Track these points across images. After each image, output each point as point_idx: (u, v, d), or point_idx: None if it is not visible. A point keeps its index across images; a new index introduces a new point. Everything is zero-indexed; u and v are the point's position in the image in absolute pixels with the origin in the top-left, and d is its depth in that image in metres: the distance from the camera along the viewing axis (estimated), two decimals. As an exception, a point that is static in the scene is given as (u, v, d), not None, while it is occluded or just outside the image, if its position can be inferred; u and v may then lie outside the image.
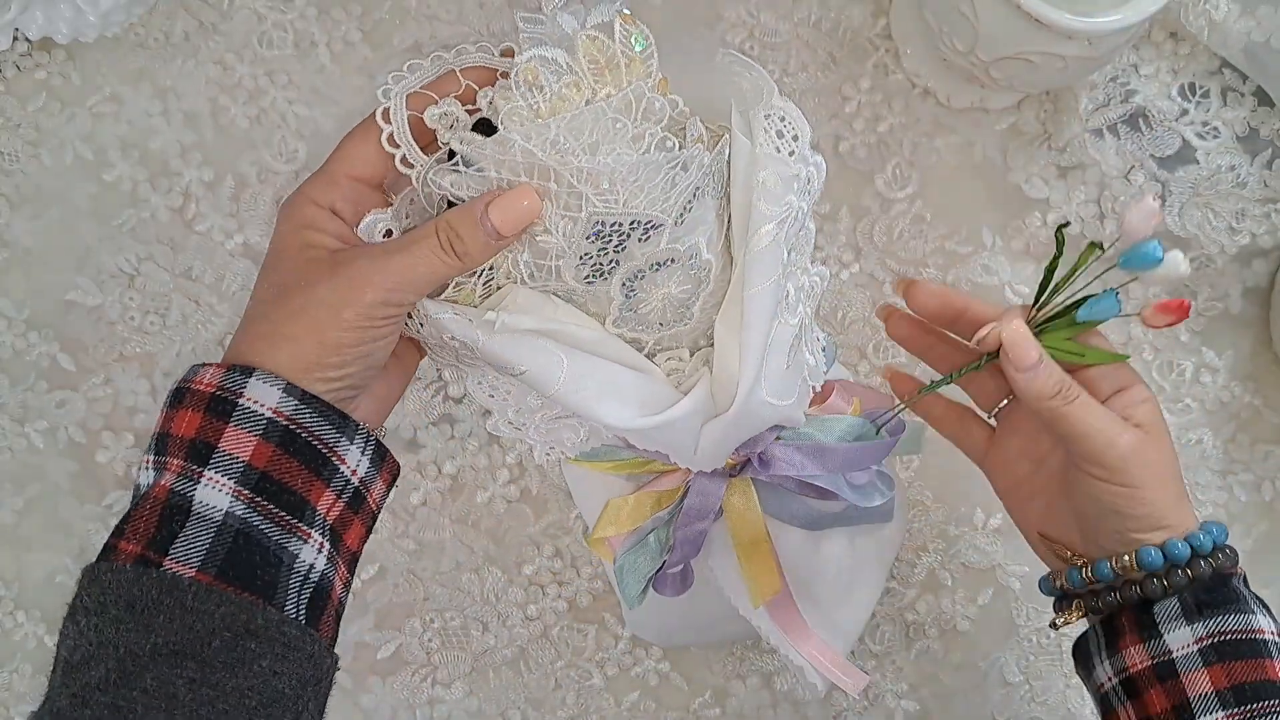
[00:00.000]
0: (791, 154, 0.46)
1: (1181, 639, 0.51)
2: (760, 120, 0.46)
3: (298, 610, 0.44)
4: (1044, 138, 0.72)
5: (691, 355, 0.50)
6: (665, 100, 0.45)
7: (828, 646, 0.62)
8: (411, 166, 0.47)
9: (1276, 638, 0.51)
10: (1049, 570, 0.58)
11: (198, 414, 0.43)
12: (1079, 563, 0.55)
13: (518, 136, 0.43)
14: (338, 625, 0.46)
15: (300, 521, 0.44)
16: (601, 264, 0.45)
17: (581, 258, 0.45)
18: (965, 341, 0.55)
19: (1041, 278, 0.54)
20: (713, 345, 0.49)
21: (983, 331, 0.53)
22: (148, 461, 0.45)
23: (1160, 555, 0.52)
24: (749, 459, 0.55)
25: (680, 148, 0.45)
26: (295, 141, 0.71)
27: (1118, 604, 0.53)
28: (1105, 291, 0.53)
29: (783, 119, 0.46)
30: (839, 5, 0.72)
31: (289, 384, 0.44)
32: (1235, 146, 0.71)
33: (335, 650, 0.46)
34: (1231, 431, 0.73)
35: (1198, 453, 0.73)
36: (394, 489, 0.50)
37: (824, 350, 0.53)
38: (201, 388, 0.44)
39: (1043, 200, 0.72)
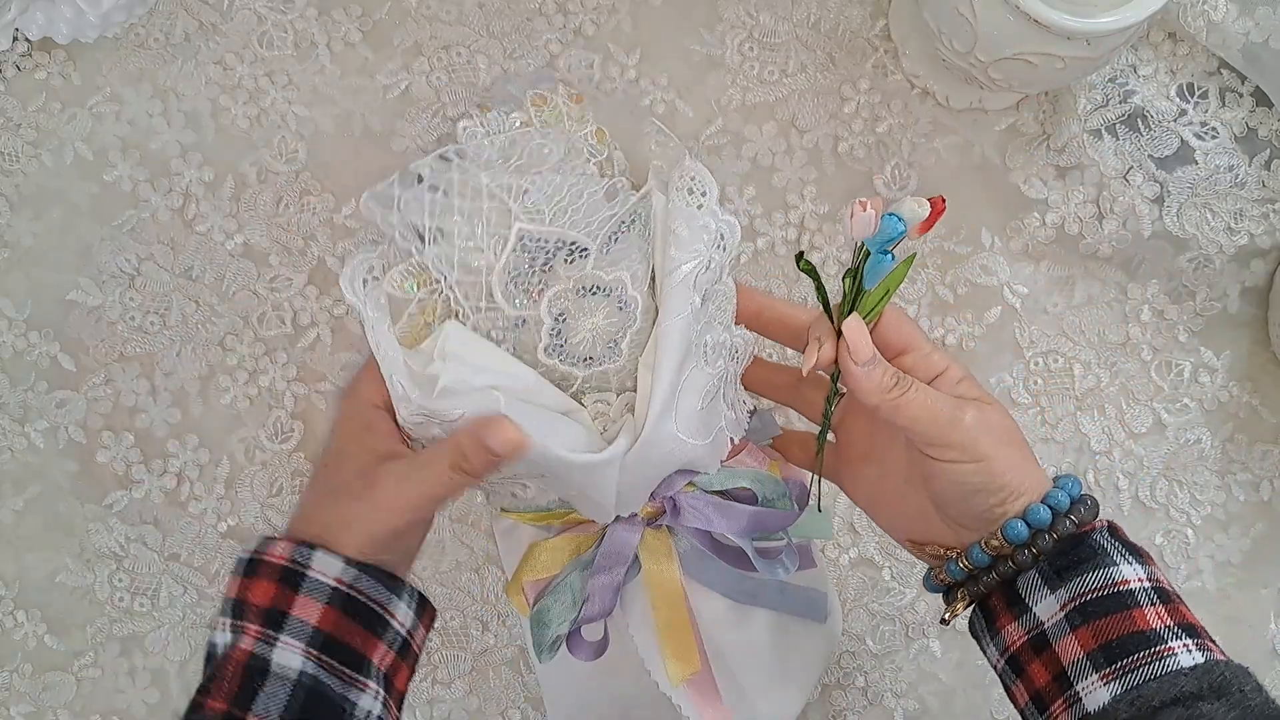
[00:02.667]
0: (700, 207, 0.51)
1: (1049, 608, 0.51)
2: (675, 179, 0.52)
3: None
4: (1043, 138, 0.72)
5: (617, 397, 0.52)
6: (597, 144, 0.52)
7: None
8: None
9: (1145, 582, 0.50)
10: (929, 569, 0.57)
11: (271, 584, 0.50)
12: (953, 554, 0.54)
13: (454, 157, 0.49)
14: None
15: (360, 674, 0.51)
16: (530, 284, 0.50)
17: (511, 276, 0.49)
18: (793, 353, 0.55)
19: (841, 297, 0.53)
20: (636, 390, 0.52)
21: (812, 355, 0.53)
22: (224, 624, 0.51)
23: (1024, 525, 0.51)
24: (664, 509, 0.57)
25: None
26: (295, 142, 0.71)
27: (996, 583, 0.53)
28: (871, 257, 0.51)
29: (693, 178, 0.51)
30: (838, 6, 0.72)
31: (348, 558, 0.50)
32: (1233, 147, 0.71)
33: None
34: (1230, 431, 0.73)
35: (1196, 452, 0.73)
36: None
37: (754, 415, 0.59)
38: (274, 559, 0.50)
39: (1041, 200, 0.72)
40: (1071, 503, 0.52)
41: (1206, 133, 0.71)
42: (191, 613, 0.71)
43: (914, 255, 0.54)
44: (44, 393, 0.71)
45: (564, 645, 0.59)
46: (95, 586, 0.71)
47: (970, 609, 0.55)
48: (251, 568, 0.51)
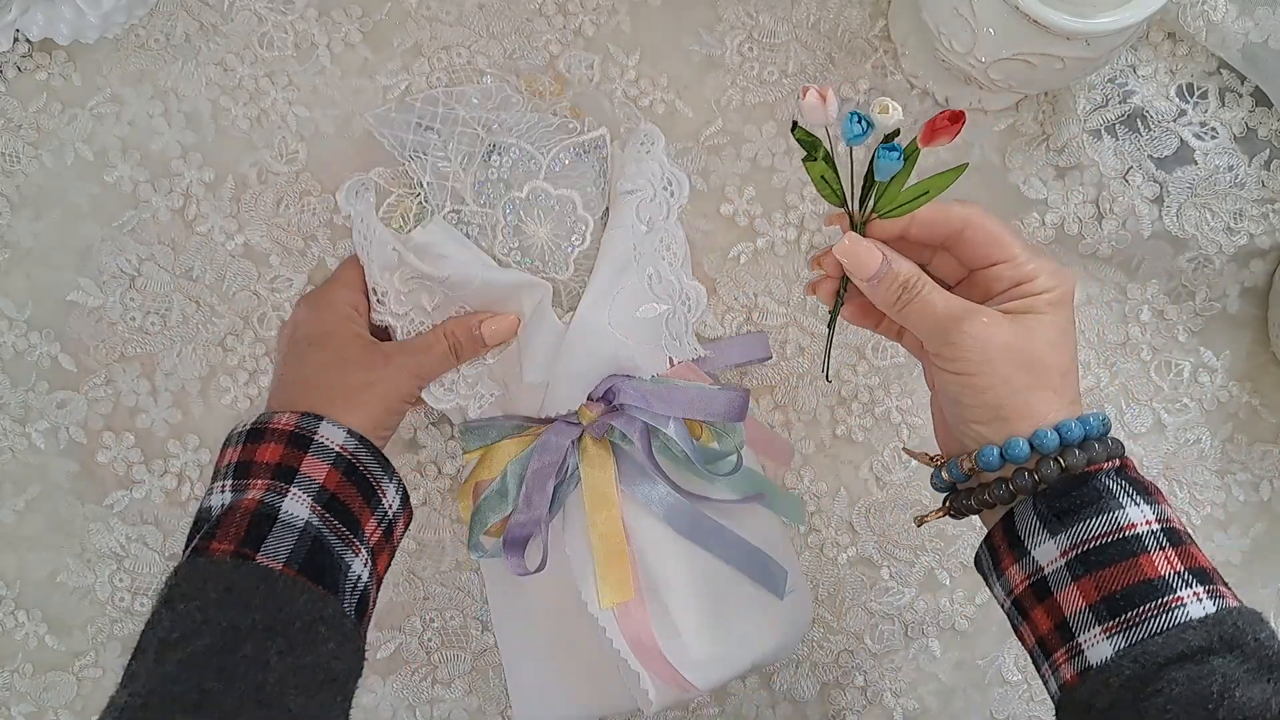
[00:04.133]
0: (648, 153, 0.64)
1: (1048, 553, 0.48)
2: (631, 137, 0.65)
3: (349, 610, 0.53)
4: (1042, 138, 0.72)
5: (565, 313, 0.62)
6: (571, 116, 0.65)
7: (671, 667, 0.60)
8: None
9: (1154, 524, 0.47)
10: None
11: (280, 445, 0.54)
12: (939, 461, 0.54)
13: (440, 95, 0.64)
14: (366, 632, 0.56)
15: (354, 538, 0.54)
16: (490, 192, 0.63)
17: (477, 183, 0.63)
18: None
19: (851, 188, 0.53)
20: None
21: (819, 265, 0.54)
22: (224, 486, 0.54)
23: (997, 457, 0.49)
24: (604, 408, 0.62)
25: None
26: (295, 143, 0.71)
27: (977, 507, 0.52)
28: (878, 149, 0.52)
29: (645, 134, 0.64)
30: (837, 6, 0.72)
31: (350, 429, 0.56)
32: (1233, 147, 0.71)
33: None
34: (1229, 431, 0.73)
35: (1196, 452, 0.73)
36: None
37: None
38: (280, 426, 0.55)
39: (1041, 201, 0.72)
40: (1086, 438, 0.49)
41: (1206, 133, 0.71)
42: (192, 613, 0.72)
43: (964, 166, 0.53)
44: (45, 393, 0.71)
45: (502, 554, 0.62)
46: (96, 586, 0.72)
47: (947, 516, 0.54)
48: (255, 435, 0.55)
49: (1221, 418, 0.73)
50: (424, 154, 0.64)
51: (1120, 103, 0.71)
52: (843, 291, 0.56)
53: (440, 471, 0.72)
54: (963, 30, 0.62)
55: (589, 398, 0.62)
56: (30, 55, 0.71)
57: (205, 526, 0.52)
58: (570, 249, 0.63)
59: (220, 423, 0.71)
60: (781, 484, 0.72)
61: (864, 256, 0.52)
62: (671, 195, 0.64)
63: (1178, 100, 0.71)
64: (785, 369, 0.72)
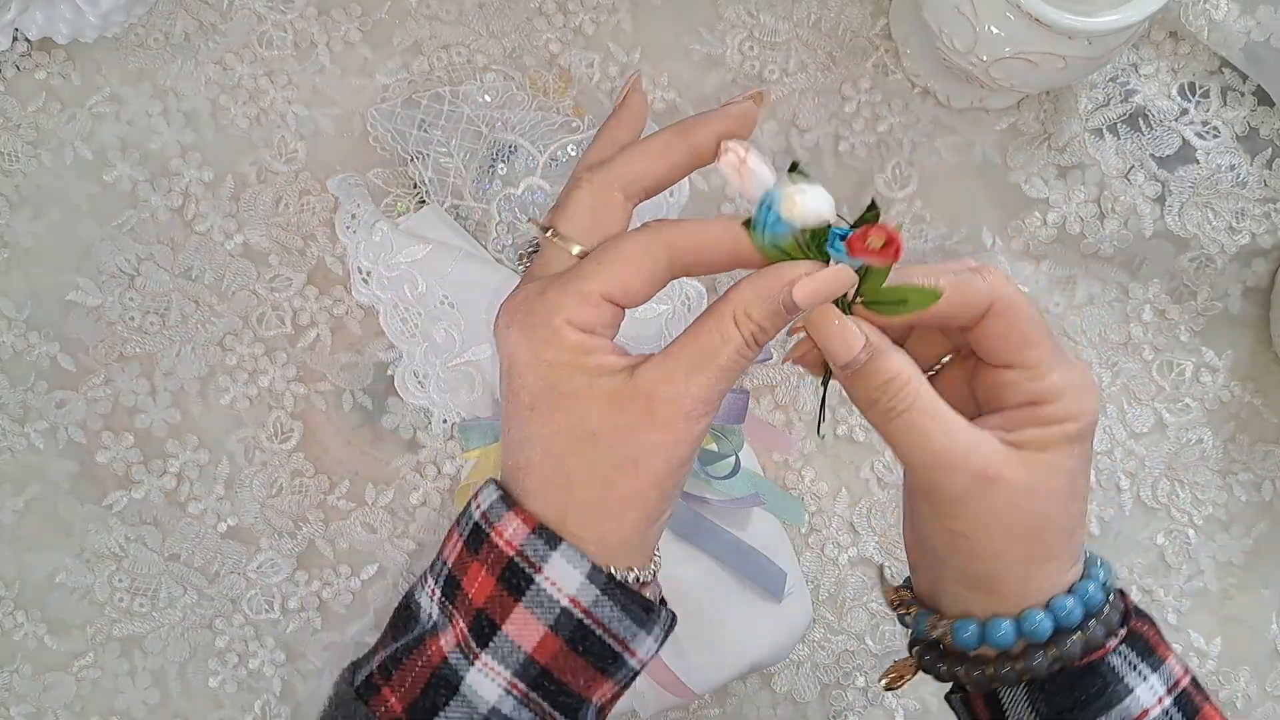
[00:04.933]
0: None
1: None
2: None
3: None
4: (1044, 137, 0.72)
5: None
6: (573, 115, 0.65)
7: (667, 669, 0.60)
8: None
9: (1165, 701, 0.40)
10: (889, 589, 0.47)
11: (491, 578, 0.39)
12: (909, 613, 0.44)
13: (446, 94, 0.65)
14: None
15: (571, 715, 0.40)
16: (486, 188, 0.63)
17: (474, 180, 0.62)
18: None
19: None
20: None
21: (800, 350, 0.43)
22: (434, 593, 0.41)
23: (977, 636, 0.40)
24: None
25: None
26: (295, 142, 0.71)
27: (946, 676, 0.43)
28: (829, 230, 0.39)
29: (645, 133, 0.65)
30: (838, 5, 0.72)
31: (594, 568, 0.39)
32: (1235, 146, 0.71)
33: None
34: (1231, 431, 0.73)
35: (1198, 452, 0.73)
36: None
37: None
38: (502, 544, 0.39)
39: (1042, 200, 0.72)
40: (1085, 616, 0.41)
41: (1208, 132, 0.71)
42: (192, 613, 0.71)
43: (937, 294, 0.40)
44: (43, 393, 0.71)
45: None
46: (95, 587, 0.71)
47: (914, 677, 0.45)
48: (476, 538, 0.40)
49: (1223, 418, 0.73)
50: (425, 151, 0.64)
51: (1122, 102, 0.71)
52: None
53: (440, 472, 0.72)
54: (964, 29, 0.62)
55: None
56: (29, 54, 0.71)
57: (397, 643, 0.41)
58: None
59: (219, 423, 0.71)
60: (781, 484, 0.72)
61: (838, 334, 0.40)
62: (672, 195, 0.64)
63: (1180, 99, 0.71)
64: (785, 369, 0.72)
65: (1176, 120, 0.71)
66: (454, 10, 0.71)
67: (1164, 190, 0.71)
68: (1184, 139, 0.71)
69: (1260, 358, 0.73)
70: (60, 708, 0.72)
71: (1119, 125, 0.71)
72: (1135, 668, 0.40)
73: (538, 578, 0.38)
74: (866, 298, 0.40)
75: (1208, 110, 0.71)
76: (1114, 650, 0.40)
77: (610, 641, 0.39)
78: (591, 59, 0.71)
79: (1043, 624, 0.40)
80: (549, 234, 0.41)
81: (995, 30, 0.61)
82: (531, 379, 0.40)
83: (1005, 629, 0.40)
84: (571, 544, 0.39)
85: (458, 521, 0.42)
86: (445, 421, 0.67)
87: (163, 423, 0.71)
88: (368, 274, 0.63)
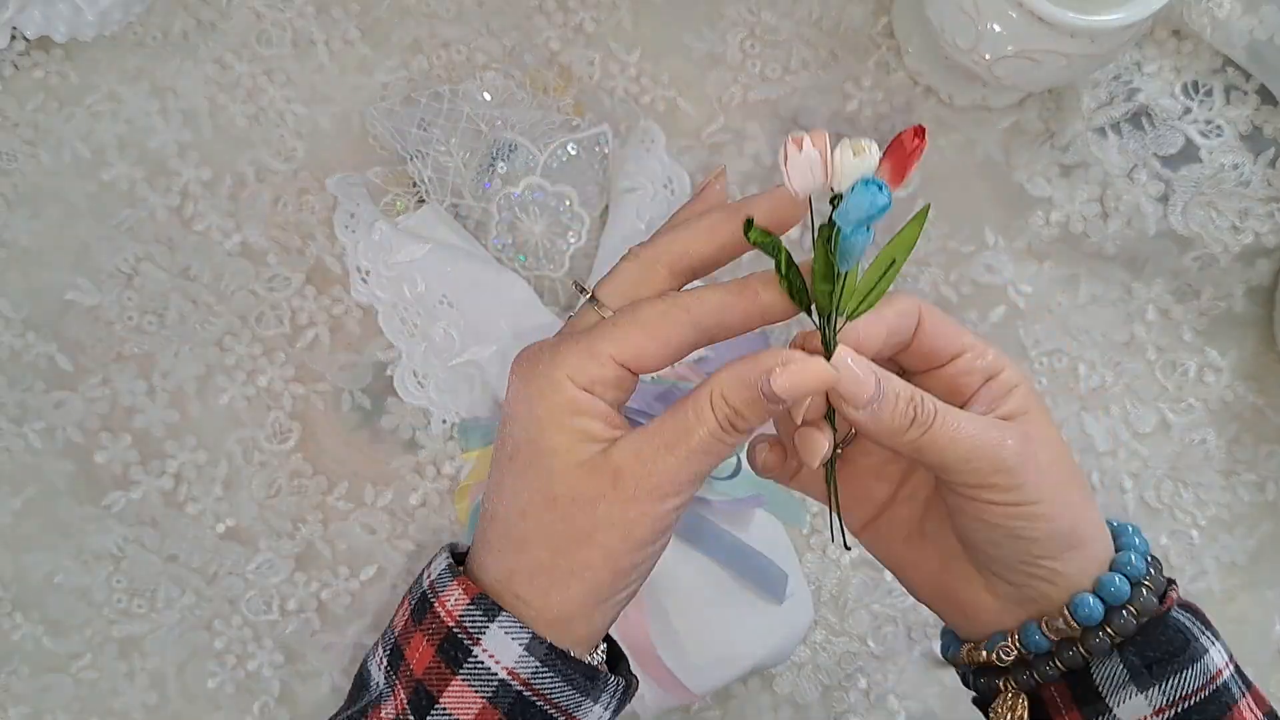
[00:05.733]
0: (648, 150, 0.64)
1: (1135, 709, 0.41)
2: (632, 134, 0.65)
3: None
4: (1046, 136, 0.72)
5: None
6: (574, 113, 0.65)
7: (667, 671, 0.60)
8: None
9: (1230, 666, 0.42)
10: (947, 627, 0.46)
11: (431, 648, 0.38)
12: (975, 642, 0.44)
13: (446, 92, 0.64)
14: None
15: None
16: (486, 187, 0.63)
17: (474, 178, 0.62)
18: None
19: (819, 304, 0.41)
20: None
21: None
22: (382, 661, 0.41)
23: (1097, 601, 0.41)
24: None
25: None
26: (294, 140, 0.71)
27: (1057, 674, 0.42)
28: (840, 234, 0.39)
29: (645, 131, 0.64)
30: (840, 3, 0.71)
31: (534, 638, 0.38)
32: (1238, 145, 0.71)
33: None
34: (1235, 431, 0.73)
35: (1201, 453, 0.73)
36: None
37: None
38: (444, 615, 0.39)
39: (1045, 199, 0.72)
40: (1146, 566, 0.42)
41: (1211, 131, 0.71)
42: (190, 614, 0.71)
43: (927, 208, 0.42)
44: (41, 393, 0.71)
45: None
46: (93, 588, 0.71)
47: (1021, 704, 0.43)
48: (422, 607, 0.39)
49: (1227, 418, 0.73)
50: (424, 150, 0.63)
51: (1125, 100, 0.71)
52: (836, 433, 0.42)
53: (440, 472, 0.71)
54: (967, 27, 0.62)
55: None
56: (27, 53, 0.71)
57: (346, 713, 0.41)
58: (566, 246, 0.63)
59: (218, 423, 0.71)
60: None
61: (849, 376, 0.39)
62: (672, 193, 0.63)
63: (1183, 98, 0.71)
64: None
65: (1180, 119, 0.71)
66: (453, 8, 0.71)
67: (1167, 189, 0.71)
68: (1187, 138, 0.70)
69: (1264, 358, 0.73)
70: (58, 708, 0.71)
71: (1122, 124, 0.71)
72: (1204, 631, 0.42)
73: (475, 649, 0.38)
74: (849, 302, 0.41)
75: (1211, 109, 0.71)
76: (1176, 607, 0.42)
77: (552, 712, 0.38)
78: (592, 57, 0.71)
79: (1121, 585, 0.41)
80: (588, 298, 0.42)
81: (998, 28, 0.61)
82: (518, 429, 0.40)
83: (1115, 582, 0.41)
84: (511, 614, 0.38)
85: (410, 589, 0.41)
86: (444, 421, 0.67)
87: (161, 423, 0.71)
88: (367, 273, 0.63)
